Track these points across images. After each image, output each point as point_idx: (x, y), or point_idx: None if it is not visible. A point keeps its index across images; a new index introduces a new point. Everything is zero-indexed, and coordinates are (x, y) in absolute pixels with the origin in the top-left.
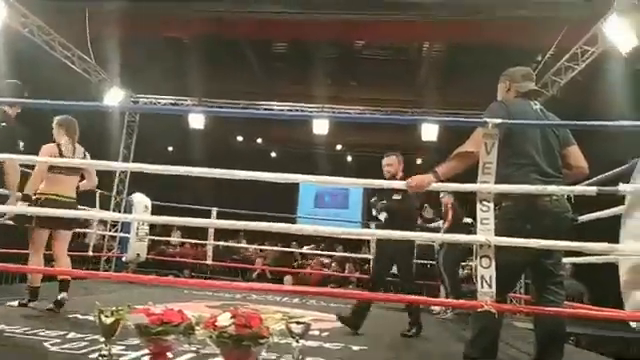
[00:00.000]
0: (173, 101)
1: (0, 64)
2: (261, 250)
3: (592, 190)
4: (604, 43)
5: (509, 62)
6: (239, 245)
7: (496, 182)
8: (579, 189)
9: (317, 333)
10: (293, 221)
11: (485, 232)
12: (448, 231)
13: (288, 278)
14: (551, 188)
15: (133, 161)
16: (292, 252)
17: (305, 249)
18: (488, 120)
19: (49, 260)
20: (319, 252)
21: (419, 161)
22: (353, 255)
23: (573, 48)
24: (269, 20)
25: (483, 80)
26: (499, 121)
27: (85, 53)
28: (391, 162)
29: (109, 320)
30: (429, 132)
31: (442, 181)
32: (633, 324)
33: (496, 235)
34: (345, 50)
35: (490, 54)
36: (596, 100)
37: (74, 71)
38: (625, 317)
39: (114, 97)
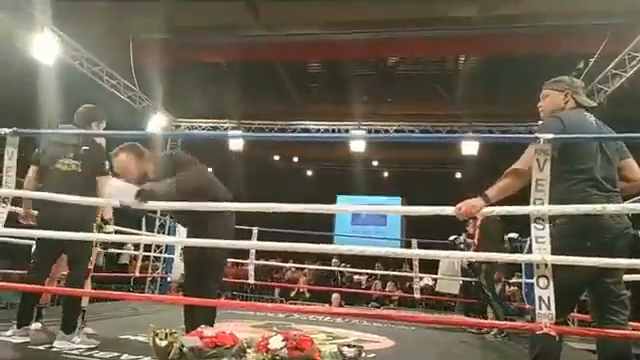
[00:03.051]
0: (212, 124)
1: (53, 95)
2: (301, 269)
3: None
4: None
5: (550, 71)
6: (279, 264)
7: (551, 197)
8: None
9: (363, 355)
10: (330, 239)
11: (541, 251)
12: (478, 250)
13: (336, 296)
14: (613, 207)
15: None
16: (333, 271)
17: (344, 267)
18: (539, 135)
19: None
20: (360, 271)
21: (459, 175)
22: (394, 273)
23: (620, 54)
24: (303, 42)
25: (523, 91)
26: (551, 136)
27: (130, 82)
28: None
29: (163, 343)
30: (469, 147)
31: (492, 204)
32: None
33: (552, 254)
34: (379, 67)
35: (530, 64)
36: None
37: (120, 99)
38: None
39: (157, 122)
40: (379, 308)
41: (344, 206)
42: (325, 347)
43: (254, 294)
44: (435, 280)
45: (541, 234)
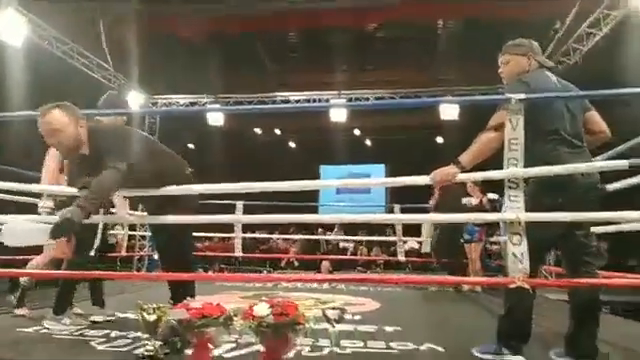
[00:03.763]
0: (191, 100)
1: (24, 77)
2: (287, 239)
3: (623, 164)
4: (625, 6)
5: (528, 32)
6: (265, 236)
7: (524, 157)
8: (611, 164)
9: (350, 317)
10: (316, 209)
11: (515, 209)
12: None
13: (325, 264)
14: (584, 166)
15: None
16: (319, 240)
17: (330, 235)
18: (511, 96)
19: None
20: (345, 238)
21: (440, 140)
22: (378, 238)
23: (594, 13)
24: (279, 12)
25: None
26: (523, 96)
27: (103, 60)
28: None
29: (151, 317)
30: (448, 111)
31: (467, 171)
32: None
33: (526, 211)
34: (358, 34)
35: (508, 26)
36: (619, 66)
37: (93, 79)
38: None
39: (134, 100)
40: (365, 273)
41: (324, 181)
42: (310, 311)
43: (243, 266)
44: (420, 243)
45: (515, 193)
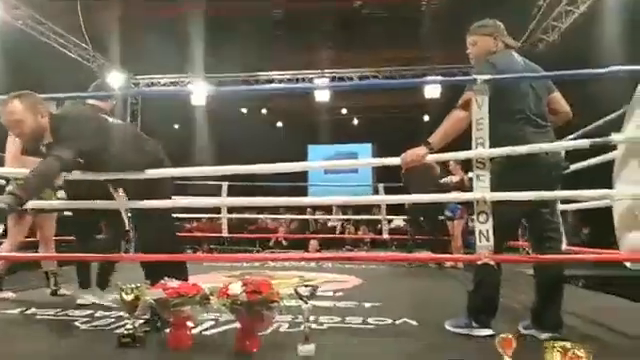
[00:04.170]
0: (173, 79)
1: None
2: (275, 219)
3: (585, 143)
4: None
5: (512, 9)
6: (253, 216)
7: (490, 137)
8: (572, 144)
9: (331, 294)
10: (304, 189)
11: (481, 189)
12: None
13: (313, 242)
14: (547, 146)
15: None
16: (307, 219)
17: (318, 215)
18: (477, 76)
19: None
20: (332, 217)
21: (427, 118)
22: (364, 217)
23: None
24: None
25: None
26: (488, 77)
27: (81, 40)
28: None
29: (130, 297)
30: (432, 90)
31: (437, 151)
32: (628, 264)
33: (493, 190)
34: (343, 12)
35: (492, 3)
36: (597, 45)
37: (72, 59)
38: (620, 258)
39: (114, 81)
40: (352, 251)
41: (308, 163)
42: (284, 289)
43: (232, 246)
44: (405, 221)
45: (481, 173)
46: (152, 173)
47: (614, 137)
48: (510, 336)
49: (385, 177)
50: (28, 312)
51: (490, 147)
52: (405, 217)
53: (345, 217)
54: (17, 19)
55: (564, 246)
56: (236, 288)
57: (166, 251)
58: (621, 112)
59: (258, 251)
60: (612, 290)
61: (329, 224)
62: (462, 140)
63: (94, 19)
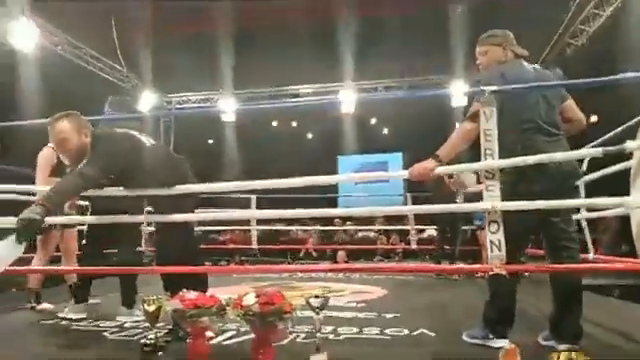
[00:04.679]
0: (203, 96)
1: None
2: (305, 230)
3: (597, 152)
4: None
5: (539, 15)
6: (283, 228)
7: (499, 147)
8: (585, 152)
9: (354, 305)
10: (334, 200)
11: (491, 198)
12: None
13: (341, 253)
14: (559, 155)
15: None
16: (336, 230)
17: (347, 225)
18: (484, 88)
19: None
20: (361, 228)
21: (458, 125)
22: (394, 227)
23: None
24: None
25: (522, 33)
26: (494, 88)
27: (114, 62)
28: None
29: (152, 308)
30: (457, 99)
31: (446, 164)
32: None
33: (504, 199)
34: (365, 21)
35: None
36: (625, 47)
37: (107, 81)
38: (637, 268)
39: (147, 100)
40: (383, 261)
41: (336, 177)
42: (297, 300)
43: (264, 257)
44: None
45: (491, 183)
46: (180, 189)
47: (628, 145)
48: (513, 347)
49: (416, 187)
50: (63, 323)
51: (502, 157)
52: (435, 227)
53: (375, 227)
54: (55, 45)
55: (591, 255)
56: (250, 299)
57: (185, 263)
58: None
59: (289, 262)
60: None
61: (359, 234)
62: None
63: (125, 40)
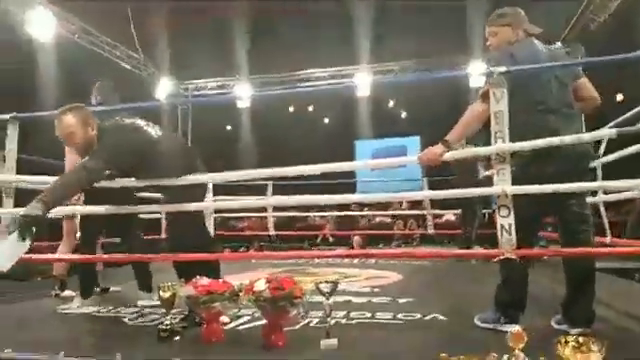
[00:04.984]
0: (220, 83)
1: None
2: (323, 217)
3: (612, 132)
4: None
5: None
6: (301, 214)
7: (511, 129)
8: (598, 134)
9: (369, 290)
10: (351, 186)
11: (502, 182)
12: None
13: (357, 239)
14: (569, 138)
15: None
16: (353, 215)
17: (366, 211)
18: (493, 69)
19: None
20: (380, 213)
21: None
22: (411, 212)
23: None
24: None
25: (536, 12)
26: (503, 69)
27: (132, 50)
28: None
29: (167, 294)
30: (476, 79)
31: (454, 148)
32: None
33: (515, 182)
34: (382, 2)
35: None
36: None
37: (125, 69)
38: None
39: (164, 88)
40: (401, 247)
41: (350, 164)
42: (308, 285)
43: (282, 243)
44: (456, 215)
45: (502, 166)
46: (194, 179)
47: None
48: (520, 331)
49: (435, 170)
50: (85, 310)
51: (513, 139)
52: (455, 211)
53: (392, 212)
54: (73, 33)
55: (608, 239)
56: (260, 285)
57: (197, 251)
58: None
59: (307, 248)
60: None
61: (377, 219)
62: None
63: (142, 28)
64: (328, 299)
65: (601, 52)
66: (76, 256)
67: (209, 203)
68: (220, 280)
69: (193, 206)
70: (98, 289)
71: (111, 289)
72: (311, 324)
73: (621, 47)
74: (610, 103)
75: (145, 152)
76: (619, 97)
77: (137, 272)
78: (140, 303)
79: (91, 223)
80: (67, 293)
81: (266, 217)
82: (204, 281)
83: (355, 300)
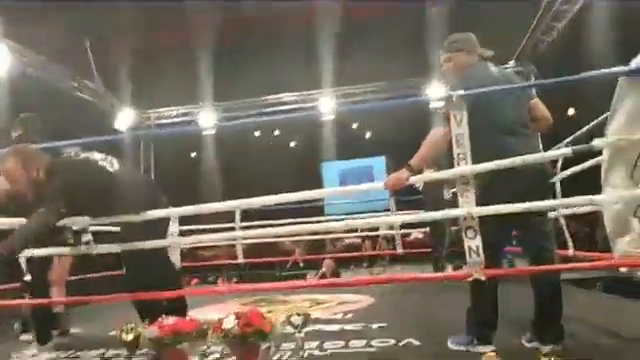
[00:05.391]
0: (183, 111)
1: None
2: (293, 241)
3: (567, 152)
4: None
5: (512, 13)
6: (269, 240)
7: (472, 151)
8: (555, 153)
9: (340, 316)
10: (320, 209)
11: (466, 204)
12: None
13: (328, 262)
14: (532, 157)
15: (155, 173)
16: (324, 239)
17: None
18: (452, 93)
19: None
20: (349, 235)
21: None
22: (379, 233)
23: None
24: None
25: (496, 32)
26: (462, 92)
27: (91, 81)
28: None
29: (130, 337)
30: (436, 100)
31: (418, 172)
32: (622, 269)
33: (479, 202)
34: (346, 24)
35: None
36: (594, 42)
37: (85, 100)
38: (614, 264)
39: (125, 119)
40: (370, 267)
41: (318, 192)
42: (278, 318)
43: (251, 271)
44: (423, 233)
45: (465, 188)
46: (152, 214)
47: (595, 142)
48: (493, 353)
49: (403, 190)
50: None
51: (475, 161)
52: (422, 230)
53: (362, 234)
54: (28, 66)
55: (571, 251)
56: (229, 322)
57: (161, 287)
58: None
59: (277, 275)
60: (632, 291)
61: (347, 241)
62: None
63: (101, 58)
64: (300, 332)
65: (552, 70)
66: None
67: (170, 240)
68: (187, 317)
69: (150, 244)
70: (57, 332)
71: (71, 331)
72: (283, 358)
73: (570, 65)
74: (562, 118)
75: (99, 188)
76: (570, 111)
77: (35, 320)
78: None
79: (35, 263)
80: (25, 337)
81: (234, 245)
82: (169, 320)
83: (327, 328)
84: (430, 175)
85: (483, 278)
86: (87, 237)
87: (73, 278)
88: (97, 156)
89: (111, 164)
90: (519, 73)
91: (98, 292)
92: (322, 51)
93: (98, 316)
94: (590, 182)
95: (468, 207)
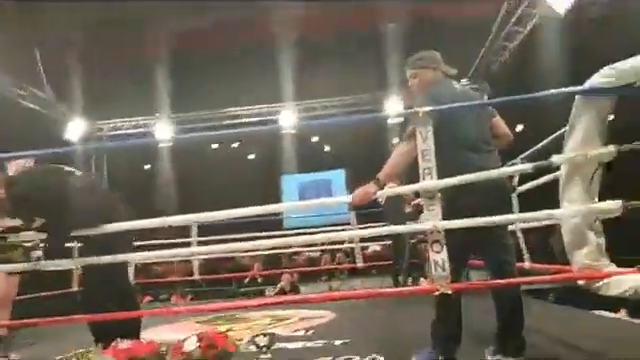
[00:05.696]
0: (138, 121)
1: None
2: (251, 257)
3: (528, 167)
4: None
5: (467, 30)
6: (227, 255)
7: (437, 166)
8: (517, 168)
9: (302, 333)
10: (279, 222)
11: (432, 218)
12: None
13: (286, 276)
14: (495, 172)
15: (108, 185)
16: (281, 253)
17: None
18: (418, 109)
19: None
20: (307, 250)
21: (396, 140)
22: (341, 246)
23: (517, 11)
24: (221, 26)
25: (450, 49)
26: (429, 108)
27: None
28: None
29: None
30: (394, 115)
31: (383, 186)
32: (580, 282)
33: (444, 217)
34: (302, 42)
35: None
36: (545, 62)
37: (33, 110)
38: (572, 277)
39: (76, 128)
40: (329, 281)
41: (281, 205)
42: (243, 338)
43: (208, 286)
44: (382, 245)
45: (431, 202)
46: (112, 227)
47: (554, 159)
48: None
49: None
50: None
51: (439, 176)
52: (380, 243)
53: (320, 248)
54: None
55: (527, 264)
56: (191, 344)
57: (115, 306)
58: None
59: (234, 290)
60: (583, 301)
61: (305, 255)
62: None
63: (51, 66)
64: (266, 353)
65: (503, 88)
66: None
67: (123, 256)
68: (143, 340)
69: (106, 259)
70: None
71: (12, 357)
72: None
73: (520, 86)
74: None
75: (57, 200)
76: (519, 127)
77: None
78: None
79: None
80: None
81: (189, 261)
82: (124, 344)
83: (290, 347)
84: (396, 189)
85: (450, 292)
86: (37, 253)
87: (22, 297)
88: (52, 168)
89: (69, 176)
90: (475, 90)
91: (54, 311)
92: (282, 65)
93: (51, 337)
94: (540, 196)
95: (434, 220)
